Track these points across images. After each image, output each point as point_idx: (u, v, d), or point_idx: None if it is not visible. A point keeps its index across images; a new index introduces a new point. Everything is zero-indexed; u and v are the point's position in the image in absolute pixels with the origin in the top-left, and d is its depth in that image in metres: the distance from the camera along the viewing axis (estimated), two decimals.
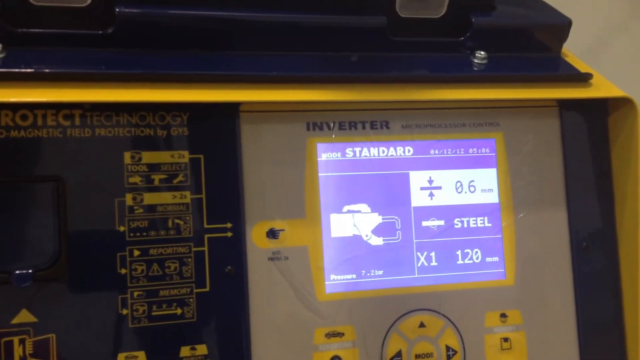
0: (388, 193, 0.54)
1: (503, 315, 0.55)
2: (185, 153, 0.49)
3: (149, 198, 0.48)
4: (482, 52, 0.57)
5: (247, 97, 0.49)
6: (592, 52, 0.59)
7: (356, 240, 0.53)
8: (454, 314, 0.54)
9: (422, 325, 0.53)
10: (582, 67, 0.58)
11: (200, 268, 0.48)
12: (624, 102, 0.55)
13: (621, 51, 0.79)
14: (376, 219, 0.54)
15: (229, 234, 0.49)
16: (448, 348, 0.54)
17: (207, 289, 0.48)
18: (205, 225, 0.49)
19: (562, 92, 0.56)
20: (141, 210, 0.47)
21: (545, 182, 0.58)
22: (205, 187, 0.49)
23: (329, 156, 0.53)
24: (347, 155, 0.54)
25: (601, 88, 0.56)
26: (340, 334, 0.51)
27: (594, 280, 0.57)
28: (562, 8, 0.60)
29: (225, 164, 0.50)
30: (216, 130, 0.50)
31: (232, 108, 0.49)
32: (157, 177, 0.48)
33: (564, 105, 0.57)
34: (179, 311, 0.48)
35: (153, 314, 0.47)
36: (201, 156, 0.49)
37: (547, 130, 0.58)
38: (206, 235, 0.49)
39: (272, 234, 0.51)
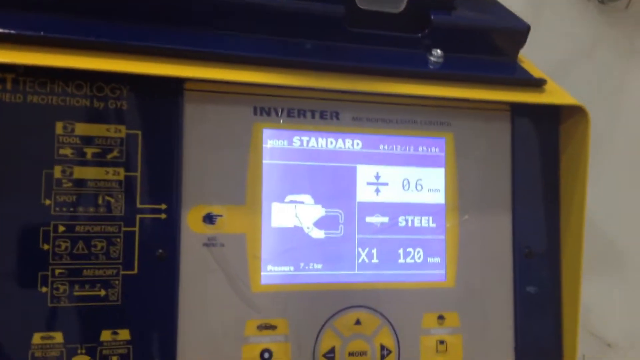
0: (333, 186, 0.53)
1: (441, 317, 0.54)
2: (122, 128, 0.46)
3: (80, 172, 0.45)
4: (439, 51, 0.56)
5: (192, 74, 0.47)
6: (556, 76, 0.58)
7: (297, 231, 0.52)
8: (391, 313, 0.53)
9: (358, 322, 0.52)
10: (537, 73, 0.57)
11: (129, 249, 0.46)
12: (576, 111, 0.54)
13: (584, 76, 0.79)
14: (319, 211, 0.52)
15: (163, 216, 0.46)
16: (383, 347, 0.52)
17: (135, 272, 0.46)
18: (138, 205, 0.46)
19: (515, 96, 0.55)
20: (70, 185, 0.45)
21: (492, 186, 0.57)
22: (141, 165, 0.47)
23: (275, 143, 0.51)
24: (294, 144, 0.52)
25: (554, 95, 0.56)
26: (272, 327, 0.49)
27: (535, 286, 0.56)
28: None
29: (165, 143, 0.47)
30: (158, 106, 0.48)
31: (177, 85, 0.48)
32: (89, 151, 0.45)
33: (517, 110, 0.57)
34: (102, 293, 0.45)
35: (74, 294, 0.45)
36: (139, 132, 0.47)
37: (498, 134, 0.58)
38: (138, 216, 0.46)
39: (209, 219, 0.48)
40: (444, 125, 0.56)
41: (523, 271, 0.57)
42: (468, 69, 0.56)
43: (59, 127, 0.45)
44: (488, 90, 0.55)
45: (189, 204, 0.48)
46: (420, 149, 0.56)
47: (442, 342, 0.54)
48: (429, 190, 0.56)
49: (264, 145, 0.51)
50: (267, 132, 0.51)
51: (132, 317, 0.46)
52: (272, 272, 0.51)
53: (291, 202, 0.52)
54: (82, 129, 0.46)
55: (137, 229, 0.46)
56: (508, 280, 0.57)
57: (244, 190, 0.50)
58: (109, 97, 0.46)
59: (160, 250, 0.47)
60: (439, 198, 0.56)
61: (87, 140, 0.46)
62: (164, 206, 0.47)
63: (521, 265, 0.57)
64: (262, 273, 0.50)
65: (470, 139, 0.57)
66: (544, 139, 0.59)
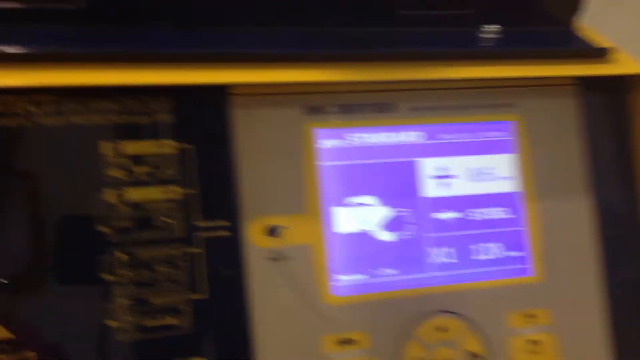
0: (397, 183, 0.53)
1: (529, 315, 0.54)
2: (172, 142, 0.47)
3: (133, 193, 0.46)
4: (492, 26, 0.56)
5: (237, 79, 0.47)
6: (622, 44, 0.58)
7: (364, 236, 0.52)
8: (475, 315, 0.53)
9: (441, 329, 0.52)
10: (601, 42, 0.58)
11: (195, 272, 0.47)
12: None
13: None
14: (385, 212, 0.52)
15: (226, 233, 0.47)
16: (471, 354, 0.52)
17: (205, 296, 0.46)
18: (199, 224, 0.46)
19: (580, 69, 0.55)
20: (125, 208, 0.45)
21: (566, 167, 0.56)
22: (197, 180, 0.47)
23: (329, 143, 0.52)
24: (349, 142, 0.52)
25: (623, 64, 0.55)
26: (352, 341, 0.49)
27: (626, 271, 0.56)
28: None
29: (218, 154, 0.48)
30: (205, 115, 0.48)
31: (222, 91, 0.48)
32: (141, 170, 0.46)
33: (583, 83, 0.56)
34: (173, 321, 0.46)
35: (144, 324, 0.45)
36: (190, 145, 0.47)
37: (566, 111, 0.57)
38: (200, 235, 0.46)
39: (271, 231, 0.49)
40: (508, 107, 0.56)
41: (611, 257, 0.56)
42: (526, 43, 0.57)
43: (105, 148, 0.46)
44: (550, 66, 0.55)
45: (250, 218, 0.49)
46: (486, 135, 0.56)
47: (533, 341, 0.54)
48: (501, 178, 0.56)
49: (316, 146, 0.51)
50: (318, 132, 0.52)
51: (206, 343, 0.46)
52: (344, 282, 0.51)
53: (353, 205, 0.52)
54: (130, 147, 0.46)
55: (201, 249, 0.47)
56: (597, 268, 0.56)
57: (302, 197, 0.51)
58: (155, 111, 0.47)
59: (227, 270, 0.47)
60: (513, 186, 0.56)
61: (137, 159, 0.46)
62: (225, 223, 0.48)
63: (608, 250, 0.56)
64: (332, 284, 0.51)
65: (538, 119, 0.57)
66: (615, 113, 0.58)
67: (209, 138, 0.48)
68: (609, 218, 0.57)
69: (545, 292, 0.55)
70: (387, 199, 0.52)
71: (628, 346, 0.56)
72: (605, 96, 0.58)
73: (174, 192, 0.46)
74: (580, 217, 0.56)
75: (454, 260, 0.53)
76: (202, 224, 0.47)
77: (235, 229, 0.47)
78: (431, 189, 0.54)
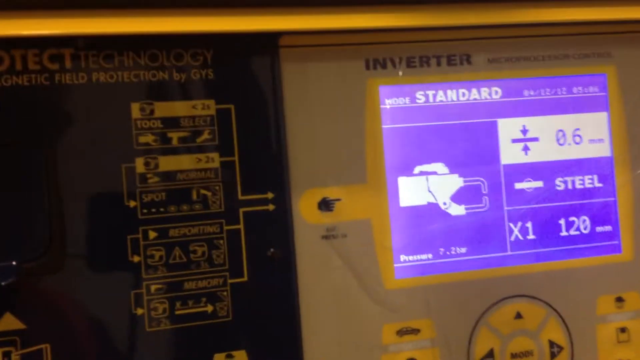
0: (471, 148, 0.47)
1: (619, 299, 0.47)
2: (211, 103, 0.41)
3: (166, 163, 0.40)
4: None
5: (288, 25, 0.41)
6: None
7: (432, 209, 0.46)
8: (558, 300, 0.47)
9: (518, 315, 0.46)
10: None
11: (235, 252, 0.41)
12: None
13: None
14: (456, 181, 0.46)
15: (271, 207, 0.41)
16: (552, 344, 0.46)
17: (245, 279, 0.41)
18: (240, 197, 0.41)
19: None
20: (156, 179, 0.40)
21: None
22: (238, 147, 0.41)
23: (396, 102, 0.45)
24: (418, 101, 0.45)
25: None
26: (415, 331, 0.44)
27: None
28: None
29: (263, 116, 0.42)
30: (250, 71, 0.42)
31: (270, 41, 0.42)
32: (175, 135, 0.40)
33: None
34: (209, 308, 0.41)
35: (176, 313, 0.40)
36: (231, 106, 0.42)
37: None
38: (241, 210, 0.41)
39: (326, 205, 0.43)
40: (604, 57, 0.49)
41: None
42: None
43: (135, 110, 0.40)
44: None
45: (299, 189, 0.43)
46: (575, 90, 0.48)
47: (623, 329, 0.48)
48: (591, 141, 0.48)
49: (382, 106, 0.45)
50: (384, 90, 0.45)
51: (248, 335, 0.41)
52: (407, 262, 0.45)
53: (421, 173, 0.46)
54: (163, 109, 0.41)
55: (241, 226, 0.41)
56: None
57: (363, 165, 0.44)
58: (191, 66, 0.41)
59: (272, 249, 0.41)
60: (605, 150, 0.49)
61: (171, 122, 0.41)
62: (270, 195, 0.42)
63: None
64: (395, 265, 0.44)
65: (637, 71, 0.49)
66: None
67: (253, 97, 0.42)
68: None
69: (635, 272, 0.48)
70: (459, 167, 0.46)
71: None
72: None
73: (212, 160, 0.40)
74: None
75: (534, 237, 0.46)
76: (243, 196, 0.40)
77: (281, 202, 0.42)
78: (510, 154, 0.47)
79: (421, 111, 0.46)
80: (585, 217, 0.48)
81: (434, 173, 0.46)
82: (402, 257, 0.45)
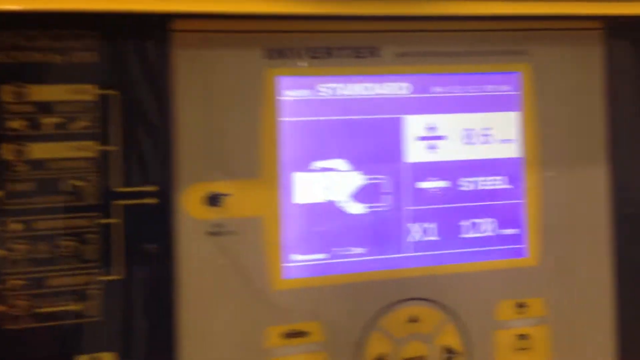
0: (374, 145, 0.45)
1: (521, 305, 0.46)
2: (93, 88, 0.39)
3: (37, 150, 0.38)
4: None
5: (180, 7, 0.39)
6: None
7: (329, 207, 0.44)
8: (457, 304, 0.46)
9: (413, 319, 0.44)
10: None
11: (110, 248, 0.39)
12: None
13: None
14: (357, 179, 0.44)
15: (153, 200, 0.39)
16: (447, 349, 0.44)
17: (121, 276, 0.39)
18: (119, 189, 0.39)
19: (609, 7, 0.45)
20: (25, 168, 0.38)
21: (583, 131, 0.48)
22: (121, 136, 0.39)
23: (296, 94, 0.43)
24: (320, 94, 0.43)
25: None
26: (302, 334, 0.42)
27: None
28: None
29: (151, 104, 0.40)
30: (138, 56, 0.40)
31: (161, 25, 0.40)
32: (49, 121, 0.38)
33: (612, 27, 0.48)
34: (77, 307, 0.39)
35: (39, 311, 0.38)
36: (116, 92, 0.40)
37: (589, 62, 0.49)
38: (120, 202, 0.39)
39: (214, 200, 0.41)
40: (518, 54, 0.47)
41: (625, 240, 0.48)
42: None
43: (5, 93, 0.38)
44: (573, 3, 0.45)
45: (185, 183, 0.41)
46: (487, 88, 0.47)
47: (523, 336, 0.47)
48: (501, 141, 0.47)
49: (280, 98, 0.43)
50: (283, 81, 0.43)
51: (119, 336, 0.39)
52: (299, 262, 0.43)
53: (320, 169, 0.44)
54: (37, 92, 0.38)
55: (119, 219, 0.39)
56: (606, 252, 0.48)
57: (257, 159, 0.42)
58: (72, 48, 0.39)
59: (151, 245, 0.39)
60: (514, 151, 0.47)
61: (45, 107, 0.38)
62: (153, 188, 0.40)
63: (622, 231, 0.48)
64: (285, 264, 0.43)
65: (553, 70, 0.48)
66: None
67: (140, 84, 0.40)
68: (626, 192, 0.49)
69: (541, 277, 0.47)
70: (360, 164, 0.45)
71: (634, 343, 0.47)
72: (636, 45, 0.49)
73: (90, 149, 0.38)
74: (592, 191, 0.48)
75: (436, 238, 0.45)
76: (122, 189, 0.38)
77: (165, 196, 0.39)
78: (415, 152, 0.45)
79: (323, 105, 0.44)
80: (491, 219, 0.46)
81: (334, 169, 0.44)
82: (295, 257, 0.43)
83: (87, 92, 0.39)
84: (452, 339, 0.46)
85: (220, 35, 0.42)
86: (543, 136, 0.47)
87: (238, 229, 0.42)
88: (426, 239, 0.46)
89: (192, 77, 0.41)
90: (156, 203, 0.40)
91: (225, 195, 0.41)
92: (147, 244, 0.39)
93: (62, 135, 0.38)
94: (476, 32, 0.46)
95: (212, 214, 0.41)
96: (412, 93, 0.45)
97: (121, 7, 0.38)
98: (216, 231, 0.41)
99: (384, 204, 0.45)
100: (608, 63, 0.48)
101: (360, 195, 0.44)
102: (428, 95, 0.46)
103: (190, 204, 0.41)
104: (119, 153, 0.39)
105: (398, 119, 0.45)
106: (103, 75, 0.39)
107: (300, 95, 0.43)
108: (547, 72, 0.47)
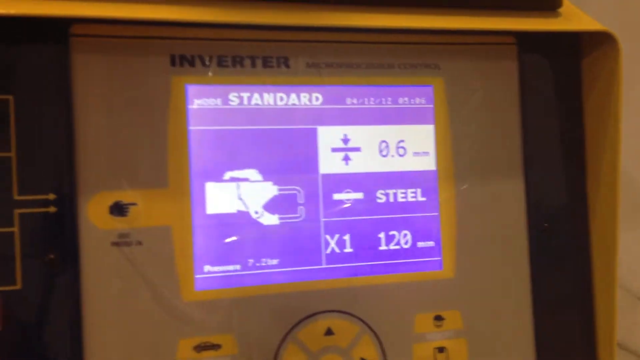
0: (287, 155, 0.44)
1: (438, 318, 0.45)
2: None
3: None
4: None
5: (80, 12, 0.37)
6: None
7: (241, 217, 0.43)
8: (374, 316, 0.45)
9: (329, 332, 0.43)
10: None
11: (6, 257, 0.37)
12: (602, 40, 0.45)
13: None
14: (270, 189, 0.44)
15: (52, 209, 0.37)
16: None
17: (18, 286, 0.36)
18: (15, 197, 0.37)
19: (522, 23, 0.46)
20: None
21: (497, 144, 0.48)
22: (16, 142, 0.37)
23: (205, 103, 0.42)
24: (231, 103, 0.43)
25: (573, 20, 0.46)
26: (215, 346, 0.41)
27: (557, 272, 0.48)
28: None
29: (48, 110, 0.39)
30: (35, 60, 0.39)
31: (59, 29, 0.39)
32: None
33: (525, 42, 0.48)
34: None
35: None
36: (10, 97, 0.38)
37: (502, 76, 0.49)
38: (16, 211, 0.37)
39: (119, 209, 0.40)
40: (431, 68, 0.47)
41: (541, 252, 0.48)
42: None
43: None
44: (486, 18, 0.46)
45: (88, 191, 0.39)
46: (400, 100, 0.47)
47: (441, 349, 0.46)
48: (415, 154, 0.47)
49: (189, 107, 0.42)
50: (191, 89, 0.42)
51: (17, 350, 0.37)
52: (211, 273, 0.42)
53: (232, 179, 0.43)
54: None
55: (15, 228, 0.37)
56: (523, 264, 0.48)
57: (165, 168, 0.41)
58: None
59: (51, 255, 0.38)
60: (429, 163, 0.47)
61: None
62: (52, 196, 0.38)
63: (538, 244, 0.48)
64: (197, 276, 0.42)
65: (466, 84, 0.48)
66: (562, 79, 0.50)
67: (36, 89, 0.38)
68: (541, 206, 0.49)
69: (457, 290, 0.47)
70: (274, 174, 0.44)
71: (552, 355, 0.47)
72: (549, 59, 0.50)
73: None
74: (506, 204, 0.48)
75: (352, 250, 0.44)
76: (19, 197, 0.36)
77: (65, 205, 0.38)
78: (330, 163, 0.45)
79: (234, 114, 0.43)
80: (407, 232, 0.46)
81: (246, 180, 0.43)
82: (207, 268, 0.42)
83: None
84: (369, 352, 0.45)
85: (124, 41, 0.41)
86: (456, 149, 0.47)
87: (145, 238, 0.40)
88: (342, 250, 0.45)
89: (94, 83, 0.40)
90: (55, 211, 0.38)
91: (131, 204, 0.40)
92: (46, 254, 0.37)
93: None
94: (387, 44, 0.46)
95: (117, 224, 0.40)
96: (324, 104, 0.45)
97: (16, 11, 0.36)
98: (121, 241, 0.40)
99: (299, 215, 0.44)
100: (522, 77, 0.49)
101: (274, 205, 0.43)
102: (341, 106, 0.45)
103: (93, 214, 0.39)
104: (14, 160, 0.37)
105: (312, 130, 0.45)
106: None
107: (210, 104, 0.43)
108: (459, 85, 0.48)
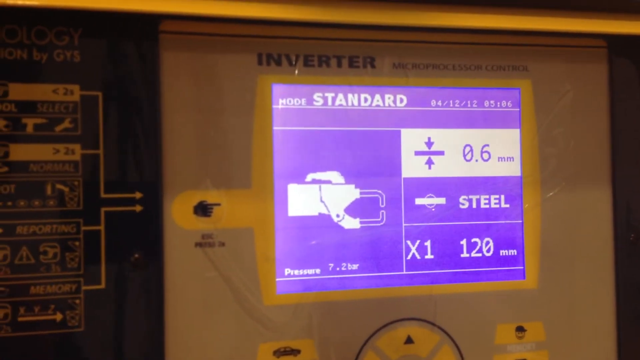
0: (370, 158, 0.43)
1: (520, 329, 0.44)
2: (75, 88, 0.37)
3: (18, 151, 0.36)
4: None
5: (169, 8, 0.37)
6: None
7: (323, 221, 0.42)
8: (454, 326, 0.44)
9: (409, 340, 0.42)
10: None
11: (92, 255, 0.37)
12: None
13: None
14: (352, 193, 0.43)
15: (138, 208, 0.37)
16: None
17: (102, 286, 0.36)
18: (103, 195, 0.37)
19: (613, 26, 0.44)
20: (5, 169, 0.36)
21: (585, 150, 0.47)
22: (104, 139, 0.37)
23: (290, 103, 0.41)
24: (315, 103, 0.41)
25: None
26: (294, 351, 0.40)
27: None
28: None
29: (136, 108, 0.38)
30: (124, 57, 0.38)
31: (149, 25, 0.38)
32: (30, 122, 0.36)
33: (615, 45, 0.47)
34: (58, 316, 0.37)
35: (19, 319, 0.36)
36: (99, 93, 0.38)
37: (591, 80, 0.47)
38: (103, 209, 0.37)
39: (203, 209, 0.39)
40: (519, 70, 0.46)
41: (628, 264, 0.46)
42: None
43: None
44: (577, 19, 0.44)
45: (173, 191, 0.39)
46: (486, 103, 0.45)
47: None
48: (500, 159, 0.46)
49: (274, 107, 0.41)
50: (277, 89, 0.41)
51: (100, 347, 0.37)
52: (292, 277, 0.41)
53: (314, 181, 0.42)
54: (18, 91, 0.36)
55: (102, 227, 0.37)
56: (608, 277, 0.47)
57: (248, 168, 0.40)
58: (54, 46, 0.37)
59: (135, 255, 0.37)
60: (514, 169, 0.46)
61: (27, 106, 0.36)
62: (138, 195, 0.38)
63: (626, 255, 0.46)
64: (278, 279, 0.41)
65: (554, 87, 0.47)
66: None
67: (125, 86, 0.38)
68: (629, 217, 0.47)
69: (539, 301, 0.45)
70: (356, 177, 0.43)
71: None
72: None
73: (72, 151, 0.36)
74: (592, 213, 0.47)
75: (432, 257, 0.43)
76: (106, 195, 0.36)
77: (151, 204, 0.37)
78: (412, 167, 0.43)
79: (318, 114, 0.42)
80: (489, 239, 0.45)
81: (328, 182, 0.42)
82: (287, 271, 0.41)
83: (69, 93, 0.37)
84: None
85: (212, 39, 0.40)
86: (542, 155, 0.46)
87: (228, 240, 0.40)
88: (422, 257, 0.43)
89: (182, 81, 0.39)
90: (141, 210, 0.37)
91: (215, 205, 0.39)
92: (130, 253, 0.37)
93: (44, 136, 0.36)
94: (475, 45, 0.45)
95: (201, 224, 0.39)
96: (409, 106, 0.44)
97: (106, 6, 0.36)
98: (205, 242, 0.39)
99: (380, 220, 0.43)
100: (611, 81, 0.47)
101: (356, 209, 0.42)
102: (426, 108, 0.44)
103: (178, 213, 0.39)
104: (102, 157, 0.37)
105: (395, 132, 0.43)
106: (86, 76, 0.38)
107: (295, 104, 0.42)
108: (547, 88, 0.46)
